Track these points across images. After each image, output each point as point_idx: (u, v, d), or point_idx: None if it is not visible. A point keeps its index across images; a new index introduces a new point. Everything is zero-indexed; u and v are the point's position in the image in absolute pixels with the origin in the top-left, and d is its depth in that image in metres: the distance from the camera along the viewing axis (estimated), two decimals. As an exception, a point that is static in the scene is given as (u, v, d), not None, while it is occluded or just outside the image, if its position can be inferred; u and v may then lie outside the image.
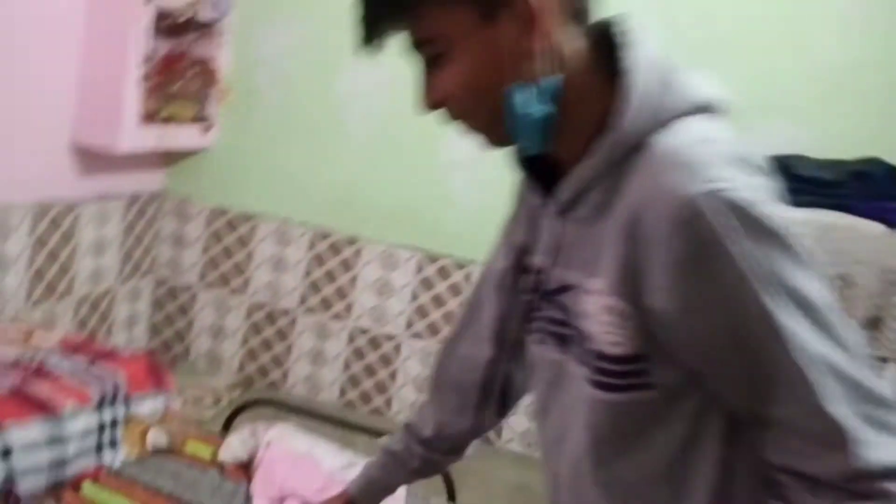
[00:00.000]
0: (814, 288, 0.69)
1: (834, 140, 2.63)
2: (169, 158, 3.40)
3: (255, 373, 3.44)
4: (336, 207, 3.27)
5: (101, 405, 1.87)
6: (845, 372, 0.69)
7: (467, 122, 0.81)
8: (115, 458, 1.88)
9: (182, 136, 3.13)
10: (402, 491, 1.45)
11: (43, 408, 1.74)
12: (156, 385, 2.07)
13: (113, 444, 1.90)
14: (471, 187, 3.07)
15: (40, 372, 1.88)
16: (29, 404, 1.74)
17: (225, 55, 3.19)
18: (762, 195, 0.69)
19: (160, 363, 2.11)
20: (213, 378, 3.32)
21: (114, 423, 1.90)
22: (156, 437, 1.98)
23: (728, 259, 0.67)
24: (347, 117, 3.19)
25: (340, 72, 3.14)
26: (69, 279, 2.91)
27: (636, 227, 0.71)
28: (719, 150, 0.70)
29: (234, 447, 1.98)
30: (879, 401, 0.70)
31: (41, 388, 1.80)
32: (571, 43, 0.76)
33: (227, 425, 2.27)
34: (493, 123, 0.79)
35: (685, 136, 0.72)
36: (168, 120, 3.00)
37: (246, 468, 1.92)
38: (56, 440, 1.72)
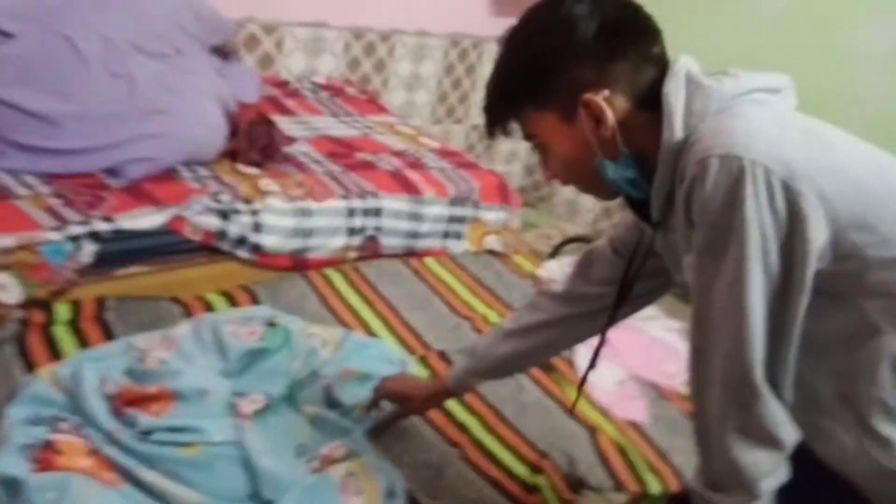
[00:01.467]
0: (744, 279, 0.79)
1: None
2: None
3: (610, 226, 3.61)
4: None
5: (454, 201, 2.22)
6: None
7: (577, 188, 1.02)
8: (457, 247, 2.24)
9: None
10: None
11: (410, 189, 2.14)
12: (503, 200, 2.36)
13: (458, 235, 2.25)
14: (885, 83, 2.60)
15: (416, 164, 2.29)
16: (401, 183, 2.15)
17: None
18: (777, 167, 0.77)
19: (509, 185, 2.38)
20: (568, 224, 3.58)
21: (461, 219, 2.25)
22: (492, 241, 2.30)
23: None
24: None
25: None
26: (466, 107, 3.35)
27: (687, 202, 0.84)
28: (741, 127, 0.81)
29: (552, 269, 2.20)
30: None
31: (413, 175, 2.20)
32: (633, 115, 0.91)
33: (554, 254, 2.49)
34: (595, 188, 1.00)
35: (716, 123, 0.84)
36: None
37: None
38: (414, 216, 2.12)
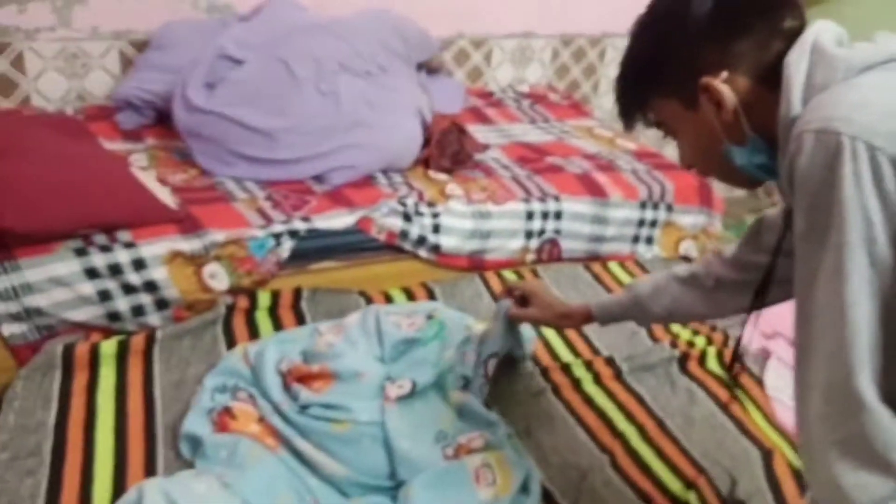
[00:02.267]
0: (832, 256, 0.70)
1: None
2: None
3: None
4: None
5: (644, 204, 2.13)
6: None
7: (715, 177, 0.98)
8: (647, 252, 2.15)
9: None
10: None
11: (595, 191, 2.10)
12: (703, 203, 2.22)
13: (649, 240, 2.16)
14: None
15: (607, 166, 2.24)
16: (586, 186, 2.12)
17: None
18: (886, 144, 0.67)
19: (711, 187, 2.23)
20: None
21: (653, 223, 2.15)
22: (688, 247, 2.16)
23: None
24: None
25: None
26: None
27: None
28: (849, 98, 0.71)
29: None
30: None
31: (601, 178, 2.16)
32: (759, 95, 0.84)
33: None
34: (730, 176, 0.94)
35: (827, 94, 0.75)
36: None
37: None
38: (598, 219, 2.08)
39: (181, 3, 2.43)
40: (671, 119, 0.93)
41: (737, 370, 1.64)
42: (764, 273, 1.03)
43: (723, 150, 0.89)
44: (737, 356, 1.14)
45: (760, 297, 1.05)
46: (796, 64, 0.79)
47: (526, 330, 1.60)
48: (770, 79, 0.83)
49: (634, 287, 1.29)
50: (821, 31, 0.81)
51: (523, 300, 1.44)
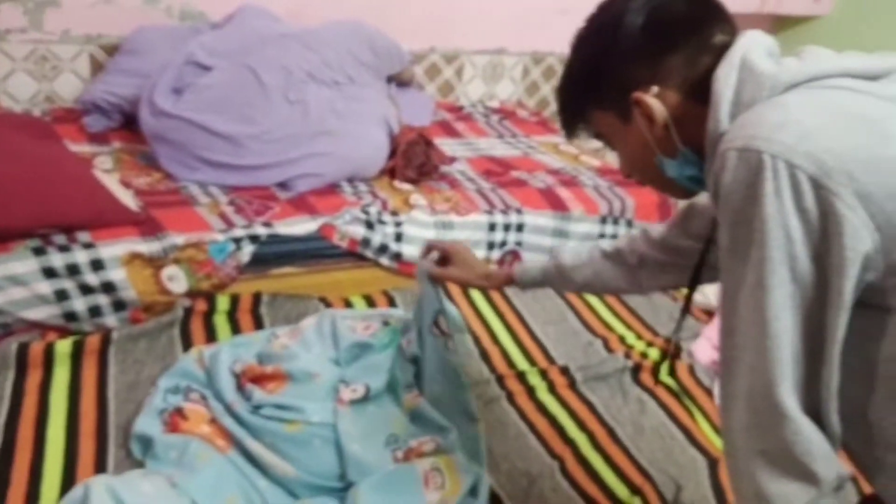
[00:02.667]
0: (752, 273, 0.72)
1: None
2: (779, 24, 3.32)
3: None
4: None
5: (605, 219, 2.17)
6: None
7: (652, 187, 1.00)
8: (607, 266, 2.18)
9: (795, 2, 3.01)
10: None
11: (557, 205, 2.14)
12: (663, 218, 2.25)
13: (609, 254, 2.19)
14: None
15: (570, 182, 2.28)
16: (549, 200, 2.16)
17: None
18: (804, 162, 0.68)
19: (671, 203, 2.27)
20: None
21: (613, 237, 2.18)
22: (647, 262, 2.20)
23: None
24: None
25: None
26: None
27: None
28: (771, 118, 0.72)
29: (707, 293, 2.05)
30: None
31: (564, 192, 2.19)
32: (688, 109, 0.86)
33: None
34: (666, 186, 0.96)
35: (751, 113, 0.76)
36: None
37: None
38: (559, 232, 2.12)
39: (154, 10, 2.45)
40: (608, 131, 0.95)
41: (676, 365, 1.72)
42: (700, 255, 1.05)
43: (656, 162, 0.91)
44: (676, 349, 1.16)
45: (693, 283, 1.08)
46: (724, 79, 0.80)
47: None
48: (700, 93, 0.83)
49: (558, 255, 1.30)
50: (750, 45, 0.81)
51: (444, 260, 1.42)
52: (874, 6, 2.97)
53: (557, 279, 1.31)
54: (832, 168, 0.67)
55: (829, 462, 0.72)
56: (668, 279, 1.20)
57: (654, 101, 0.85)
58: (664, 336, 1.86)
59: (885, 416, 0.75)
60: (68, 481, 1.27)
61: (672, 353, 1.38)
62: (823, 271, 0.69)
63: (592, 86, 0.92)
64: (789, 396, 0.72)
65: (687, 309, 1.15)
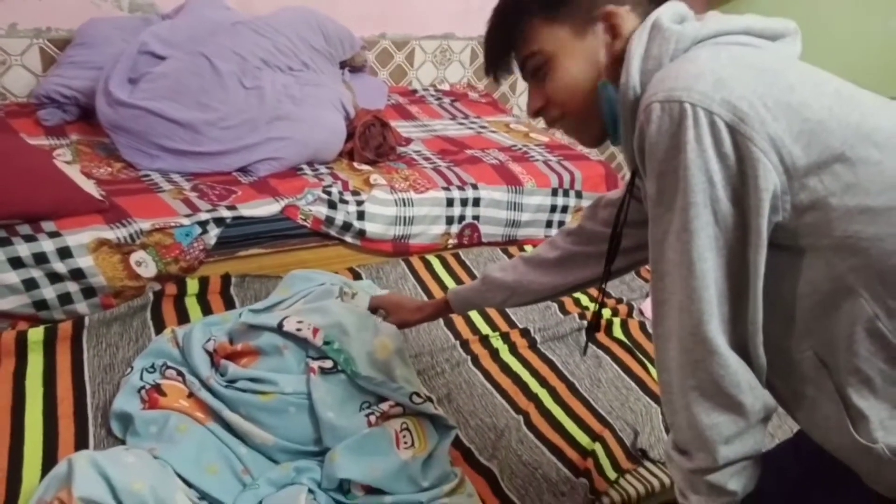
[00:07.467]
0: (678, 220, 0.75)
1: None
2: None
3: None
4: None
5: (556, 191, 2.27)
6: None
7: (564, 125, 0.95)
8: (561, 236, 2.28)
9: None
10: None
11: (511, 180, 2.23)
12: (610, 189, 2.36)
13: (561, 224, 2.29)
14: None
15: (522, 158, 2.37)
16: (503, 175, 2.24)
17: None
18: (721, 110, 0.71)
19: (615, 173, 2.38)
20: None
21: (564, 209, 2.29)
22: (599, 231, 2.30)
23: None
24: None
25: None
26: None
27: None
28: (688, 70, 0.75)
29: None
30: None
31: (516, 167, 2.28)
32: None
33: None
34: (585, 123, 0.93)
35: (667, 68, 0.79)
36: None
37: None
38: (514, 205, 2.20)
39: (103, 2, 2.44)
40: (552, 44, 0.90)
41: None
42: (610, 241, 1.05)
43: (598, 87, 0.88)
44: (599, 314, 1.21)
45: (609, 263, 1.08)
46: (637, 39, 0.83)
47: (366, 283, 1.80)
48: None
49: (487, 272, 1.35)
50: (662, 11, 0.84)
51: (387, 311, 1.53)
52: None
53: (487, 292, 1.34)
54: (746, 114, 0.71)
55: (756, 394, 0.78)
56: (585, 274, 1.22)
57: (630, 15, 0.86)
58: (615, 297, 1.97)
59: (801, 350, 0.80)
60: (49, 462, 1.29)
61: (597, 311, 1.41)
62: (743, 212, 0.73)
63: None
64: (717, 333, 0.76)
65: (606, 278, 1.14)
